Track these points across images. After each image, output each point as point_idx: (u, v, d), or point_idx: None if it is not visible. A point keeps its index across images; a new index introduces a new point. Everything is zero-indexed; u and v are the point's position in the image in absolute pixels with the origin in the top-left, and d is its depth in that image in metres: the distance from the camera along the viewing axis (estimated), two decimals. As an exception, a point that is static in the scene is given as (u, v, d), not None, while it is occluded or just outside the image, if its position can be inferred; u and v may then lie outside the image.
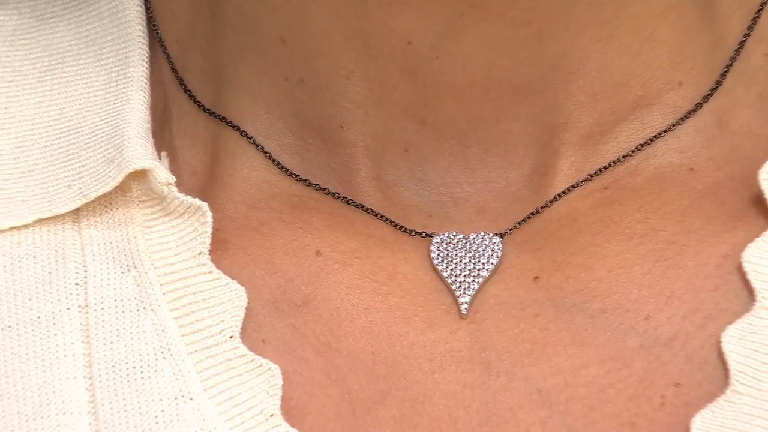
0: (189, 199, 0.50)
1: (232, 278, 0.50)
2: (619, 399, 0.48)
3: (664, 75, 0.52)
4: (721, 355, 0.48)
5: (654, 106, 0.53)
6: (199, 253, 0.50)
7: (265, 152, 0.54)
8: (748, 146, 0.53)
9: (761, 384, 0.47)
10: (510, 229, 0.52)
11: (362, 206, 0.53)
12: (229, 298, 0.50)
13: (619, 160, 0.53)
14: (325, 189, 0.54)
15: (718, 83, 0.53)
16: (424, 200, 0.53)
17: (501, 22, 0.48)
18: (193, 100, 0.56)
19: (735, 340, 0.47)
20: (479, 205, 0.53)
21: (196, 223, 0.50)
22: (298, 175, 0.54)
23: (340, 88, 0.51)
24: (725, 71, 0.54)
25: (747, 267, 0.49)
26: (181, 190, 0.51)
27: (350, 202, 0.53)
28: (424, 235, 0.52)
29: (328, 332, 0.50)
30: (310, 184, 0.54)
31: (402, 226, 0.53)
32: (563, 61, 0.50)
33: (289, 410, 0.48)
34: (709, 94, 0.53)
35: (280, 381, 0.48)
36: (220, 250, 0.52)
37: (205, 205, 0.50)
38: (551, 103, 0.51)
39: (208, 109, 0.55)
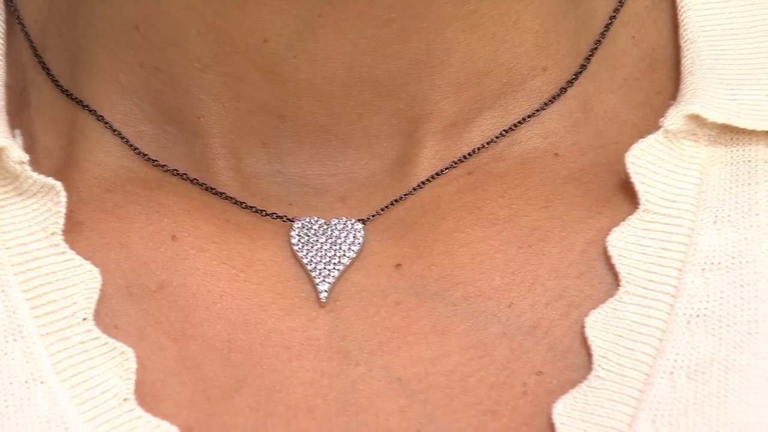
0: (42, 178, 0.49)
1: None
2: (480, 387, 0.47)
3: (529, 61, 0.52)
4: (584, 342, 0.47)
5: (518, 93, 0.52)
6: (52, 234, 0.49)
7: (122, 138, 0.52)
8: (613, 131, 0.52)
9: (623, 369, 0.46)
10: (372, 216, 0.51)
11: (221, 193, 0.52)
12: (83, 279, 0.48)
13: (482, 147, 0.52)
14: (183, 174, 0.52)
15: (583, 67, 0.53)
16: (284, 191, 0.52)
17: (362, 21, 0.47)
18: (52, 79, 0.54)
19: (598, 325, 0.47)
20: (341, 194, 0.52)
21: (50, 203, 0.49)
22: (156, 161, 0.52)
23: (195, 80, 0.50)
24: (590, 55, 0.53)
25: (612, 251, 0.48)
26: (36, 171, 0.49)
27: (209, 189, 0.52)
28: (285, 219, 0.51)
29: (183, 319, 0.49)
30: (167, 170, 0.52)
31: (263, 210, 0.51)
32: (427, 54, 0.49)
33: (142, 396, 0.47)
34: (573, 79, 0.53)
35: (134, 365, 0.47)
36: (74, 232, 0.50)
37: (59, 185, 0.49)
38: (415, 96, 0.50)
39: (65, 91, 0.53)
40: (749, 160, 0.49)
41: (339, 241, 0.50)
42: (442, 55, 0.49)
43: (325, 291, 0.49)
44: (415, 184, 0.52)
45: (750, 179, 0.49)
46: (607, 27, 0.54)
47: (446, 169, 0.52)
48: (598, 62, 0.53)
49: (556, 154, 0.52)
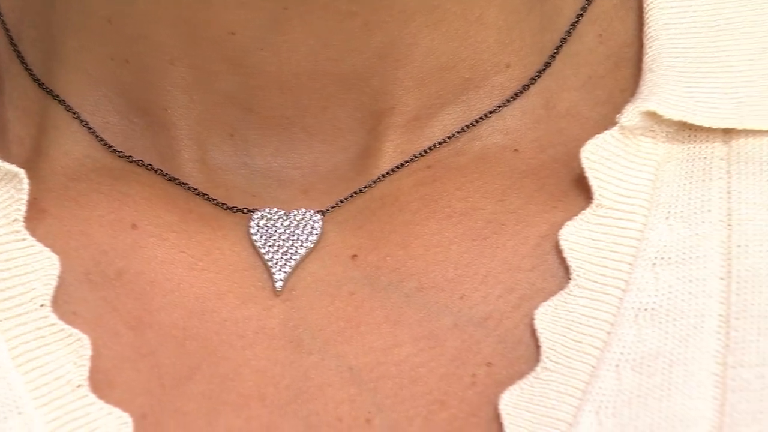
0: (6, 165, 0.50)
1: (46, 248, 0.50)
2: (430, 378, 0.48)
3: (492, 57, 0.52)
4: (534, 334, 0.48)
5: (481, 89, 0.52)
6: (14, 220, 0.50)
7: (89, 128, 0.53)
8: (574, 128, 0.52)
9: (570, 361, 0.47)
10: (332, 207, 0.52)
11: (184, 184, 0.52)
12: (42, 266, 0.49)
13: (443, 142, 0.52)
14: (148, 165, 0.53)
15: (547, 65, 0.53)
16: (248, 182, 0.52)
17: (327, 14, 0.48)
18: (25, 67, 0.55)
19: (548, 317, 0.47)
20: (304, 186, 0.52)
21: (12, 190, 0.50)
22: (122, 152, 0.53)
23: (164, 72, 0.51)
24: (555, 53, 0.53)
25: (564, 245, 0.49)
26: (7, 160, 0.50)
27: (173, 179, 0.53)
28: (245, 211, 0.52)
29: (140, 306, 0.50)
30: (133, 161, 0.53)
31: (224, 204, 0.52)
32: (391, 49, 0.50)
33: (97, 383, 0.48)
34: (536, 76, 0.53)
35: (89, 351, 0.48)
36: (36, 219, 0.51)
37: (21, 172, 0.50)
38: (379, 90, 0.51)
39: (37, 81, 0.54)
40: (705, 157, 0.49)
41: (297, 232, 0.51)
42: (405, 49, 0.50)
43: (281, 280, 0.50)
44: (376, 177, 0.52)
45: (704, 176, 0.49)
46: (574, 25, 0.54)
47: (407, 162, 0.52)
48: (562, 60, 0.54)
49: (516, 150, 0.52)
